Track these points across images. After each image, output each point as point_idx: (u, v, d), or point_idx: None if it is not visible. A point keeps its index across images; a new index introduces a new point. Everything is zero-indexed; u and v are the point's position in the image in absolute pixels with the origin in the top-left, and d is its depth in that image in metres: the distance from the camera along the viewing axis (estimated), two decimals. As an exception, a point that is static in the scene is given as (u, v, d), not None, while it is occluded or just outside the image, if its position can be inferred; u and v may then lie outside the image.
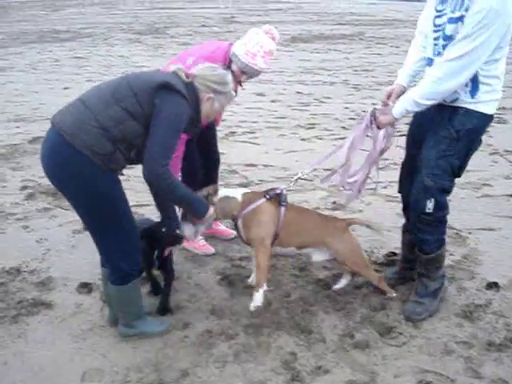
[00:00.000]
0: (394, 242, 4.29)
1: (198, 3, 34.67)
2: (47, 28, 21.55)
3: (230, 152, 6.27)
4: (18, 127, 8.08)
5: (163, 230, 3.43)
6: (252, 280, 3.77)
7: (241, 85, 4.11)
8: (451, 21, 2.97)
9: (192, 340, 3.35)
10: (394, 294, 3.67)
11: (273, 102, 9.29)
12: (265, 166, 6.40)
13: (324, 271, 4.07)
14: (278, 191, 3.57)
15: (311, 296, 3.76)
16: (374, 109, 3.37)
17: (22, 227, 4.88)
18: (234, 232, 4.69)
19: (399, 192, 3.76)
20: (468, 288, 3.85)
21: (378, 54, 14.13)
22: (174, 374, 3.07)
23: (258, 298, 3.42)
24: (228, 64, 3.85)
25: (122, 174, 3.10)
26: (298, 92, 9.96)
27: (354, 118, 8.25)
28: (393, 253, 4.24)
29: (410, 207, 3.39)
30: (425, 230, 3.36)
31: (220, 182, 4.91)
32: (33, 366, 3.18)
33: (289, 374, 3.05)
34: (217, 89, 3.10)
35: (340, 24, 21.57)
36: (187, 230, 3.38)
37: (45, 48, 16.26)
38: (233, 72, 3.79)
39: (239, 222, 3.52)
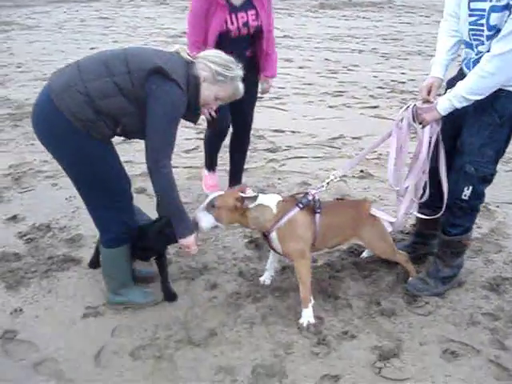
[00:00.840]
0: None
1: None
2: (73, -13, 21.48)
3: (257, 117, 6.20)
4: (45, 86, 8.11)
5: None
6: (264, 280, 3.57)
7: None
8: (496, 9, 2.82)
9: (220, 301, 3.40)
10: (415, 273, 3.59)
11: (300, 68, 9.22)
12: (292, 132, 6.38)
13: (351, 238, 4.07)
14: (310, 197, 3.27)
15: (338, 262, 3.78)
16: (415, 105, 3.19)
17: (52, 185, 4.95)
18: None
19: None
20: (495, 261, 3.84)
21: (408, 23, 13.91)
22: (203, 333, 3.12)
23: (309, 315, 3.20)
24: None
25: None
26: (325, 59, 9.87)
27: (382, 87, 8.20)
28: (419, 223, 4.22)
29: (448, 190, 3.31)
30: (456, 215, 3.32)
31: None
32: (63, 319, 3.25)
33: (315, 338, 3.08)
34: (216, 70, 2.97)
35: (369, -9, 21.23)
36: (205, 220, 3.15)
37: (71, 8, 16.25)
38: None
39: (273, 235, 3.23)
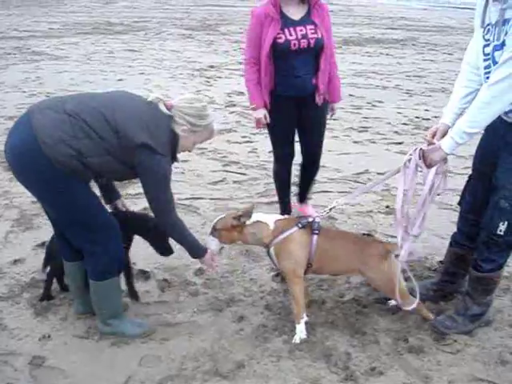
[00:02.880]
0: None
1: (248, 2, 34.76)
2: (101, 20, 21.91)
3: (282, 151, 6.34)
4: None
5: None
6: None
7: None
8: (497, 48, 2.96)
9: (247, 333, 3.40)
10: (432, 317, 3.51)
11: (325, 103, 9.27)
12: (317, 166, 6.37)
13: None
14: (311, 219, 3.45)
15: (365, 298, 3.77)
16: (421, 149, 3.24)
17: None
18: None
19: (459, 204, 3.71)
20: (523, 300, 3.81)
21: (431, 61, 13.98)
22: (230, 365, 3.12)
23: (300, 330, 3.36)
24: None
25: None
26: (349, 95, 9.91)
27: (406, 124, 8.23)
28: (447, 260, 4.21)
29: (482, 225, 3.33)
30: (491, 250, 3.30)
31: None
32: (92, 347, 3.29)
33: (343, 373, 3.07)
34: (193, 122, 3.13)
35: (392, 28, 21.39)
36: (212, 245, 3.46)
37: (99, 39, 16.55)
38: None
39: (271, 250, 3.43)
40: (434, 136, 3.28)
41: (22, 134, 2.92)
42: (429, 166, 3.21)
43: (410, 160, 3.27)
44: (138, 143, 2.94)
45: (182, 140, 3.17)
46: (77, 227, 3.12)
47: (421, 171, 3.28)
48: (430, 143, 3.23)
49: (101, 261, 3.19)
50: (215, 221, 3.49)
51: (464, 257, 3.62)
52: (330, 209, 3.56)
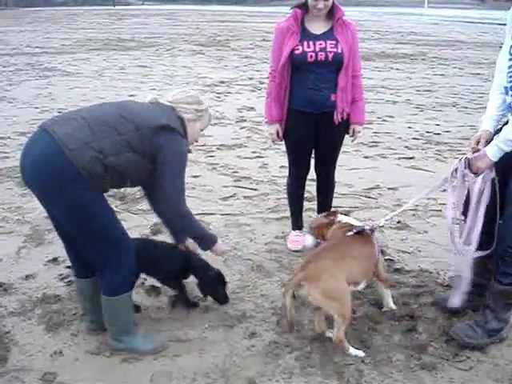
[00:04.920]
0: (459, 264, 4.24)
1: (258, 17, 35.06)
2: (112, 36, 22.14)
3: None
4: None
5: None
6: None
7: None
8: None
9: (258, 349, 3.38)
10: None
11: (335, 118, 9.29)
12: (328, 181, 6.36)
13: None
14: (360, 224, 3.72)
15: (377, 314, 3.73)
16: (466, 158, 3.25)
17: (92, 228, 5.00)
18: None
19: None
20: (537, 316, 3.77)
21: (441, 75, 13.98)
22: (241, 382, 3.10)
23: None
24: None
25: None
26: (360, 109, 9.94)
27: (417, 138, 8.20)
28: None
29: (497, 239, 3.29)
30: (506, 263, 3.28)
31: (285, 195, 4.99)
32: (103, 363, 3.27)
33: (355, 391, 3.05)
34: (196, 108, 3.34)
35: (401, 43, 21.47)
36: (309, 240, 3.82)
37: (111, 56, 16.72)
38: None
39: None
40: (478, 143, 3.29)
41: (43, 145, 2.93)
42: (476, 174, 3.22)
43: (456, 170, 3.29)
44: (159, 125, 3.07)
45: (190, 128, 3.31)
46: (91, 239, 3.11)
47: (467, 181, 3.29)
48: (475, 150, 3.24)
49: (114, 275, 3.19)
50: (311, 221, 3.99)
51: (485, 266, 3.54)
52: (379, 223, 3.77)
